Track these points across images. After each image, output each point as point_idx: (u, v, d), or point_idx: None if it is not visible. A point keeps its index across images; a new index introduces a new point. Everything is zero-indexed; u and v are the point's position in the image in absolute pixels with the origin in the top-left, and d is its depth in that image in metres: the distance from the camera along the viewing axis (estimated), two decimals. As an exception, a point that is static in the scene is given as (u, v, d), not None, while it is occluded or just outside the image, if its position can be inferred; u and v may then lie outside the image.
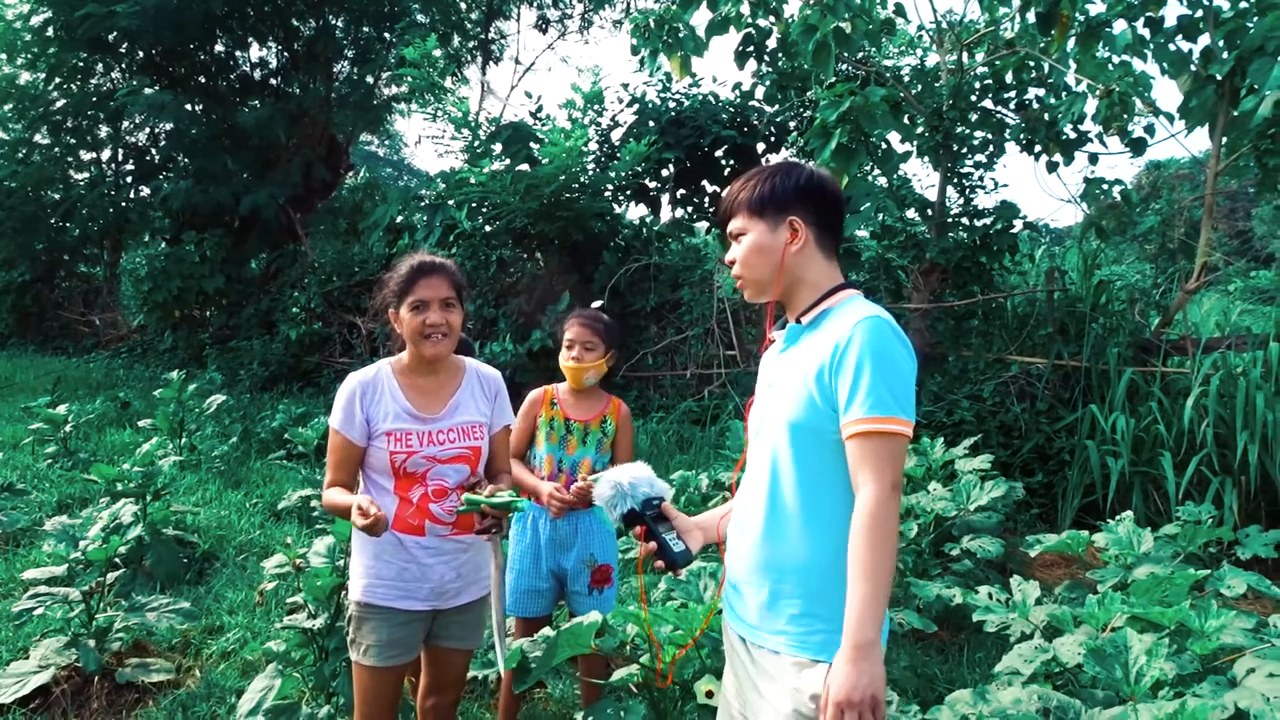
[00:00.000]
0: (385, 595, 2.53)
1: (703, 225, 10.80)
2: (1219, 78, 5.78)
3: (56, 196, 14.20)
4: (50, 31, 12.65)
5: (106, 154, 14.78)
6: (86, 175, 14.60)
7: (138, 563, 4.77)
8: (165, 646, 4.13)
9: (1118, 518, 4.29)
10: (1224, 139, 6.02)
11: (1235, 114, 5.69)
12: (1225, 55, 5.73)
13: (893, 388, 1.75)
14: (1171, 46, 6.09)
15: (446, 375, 2.64)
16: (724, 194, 2.00)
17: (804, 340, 1.91)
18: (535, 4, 13.42)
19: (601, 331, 3.21)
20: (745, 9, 6.91)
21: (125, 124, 14.07)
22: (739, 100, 10.33)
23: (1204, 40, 5.99)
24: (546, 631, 2.59)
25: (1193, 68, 6.03)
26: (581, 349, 3.20)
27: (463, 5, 13.56)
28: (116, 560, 4.00)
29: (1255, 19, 5.65)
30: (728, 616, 2.02)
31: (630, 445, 3.29)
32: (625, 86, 10.57)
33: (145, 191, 14.26)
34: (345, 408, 2.53)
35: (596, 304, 3.51)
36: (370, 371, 2.59)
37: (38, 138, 14.19)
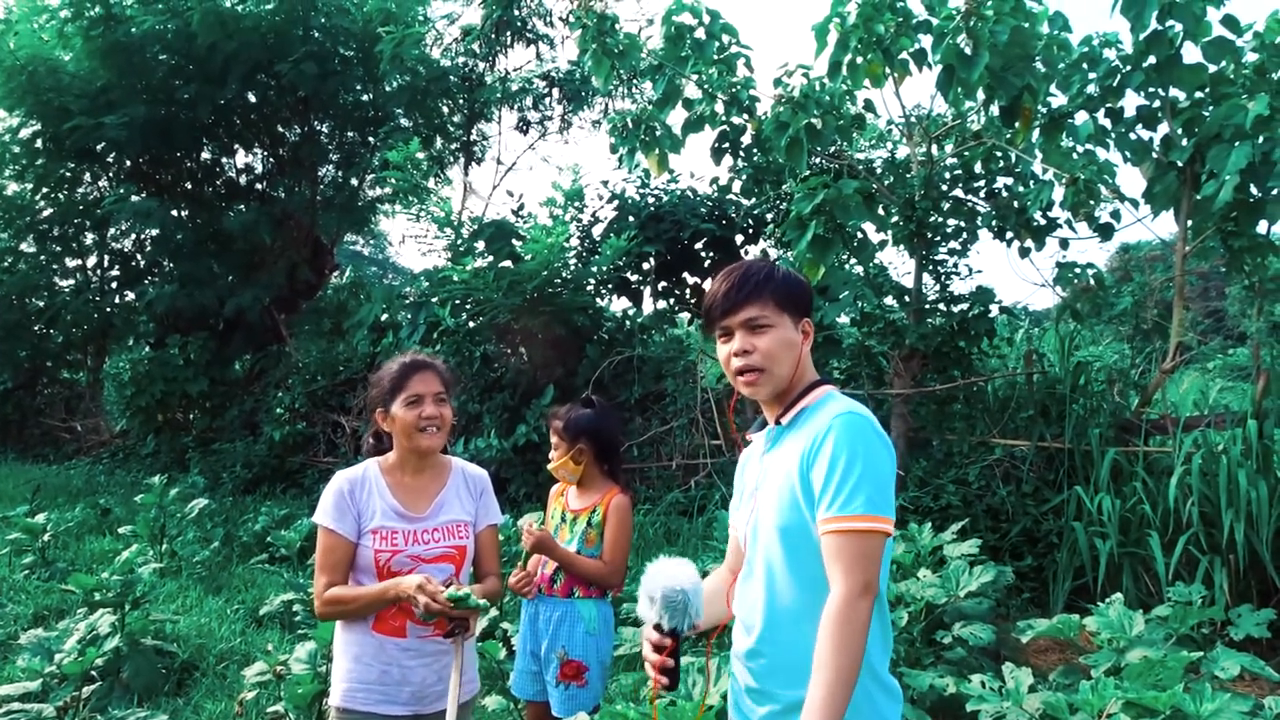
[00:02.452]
0: (365, 700, 2.48)
1: (685, 316, 10.91)
2: (1180, 164, 5.96)
3: (41, 304, 14.23)
4: (39, 144, 12.90)
5: (92, 260, 14.88)
6: (71, 282, 14.67)
7: (115, 675, 4.64)
8: (141, 762, 4.00)
9: (1108, 600, 4.26)
10: (1189, 222, 6.18)
11: (1198, 198, 5.84)
12: (1185, 143, 5.92)
13: (867, 486, 1.72)
14: (1132, 135, 6.28)
15: (433, 474, 2.65)
16: (722, 285, 1.92)
17: (785, 441, 1.90)
18: (516, 106, 13.72)
19: (559, 429, 3.27)
20: (719, 108, 7.12)
21: (111, 230, 14.20)
22: (716, 194, 10.54)
23: (1163, 129, 6.19)
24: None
25: (1154, 155, 6.22)
26: (552, 448, 3.29)
27: (445, 109, 13.88)
28: (93, 673, 3.91)
29: (1211, 108, 5.85)
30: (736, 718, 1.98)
31: (618, 537, 3.19)
32: (605, 183, 10.80)
33: (130, 296, 14.32)
34: (336, 505, 2.52)
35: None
36: (358, 470, 2.60)
37: (24, 246, 14.29)
